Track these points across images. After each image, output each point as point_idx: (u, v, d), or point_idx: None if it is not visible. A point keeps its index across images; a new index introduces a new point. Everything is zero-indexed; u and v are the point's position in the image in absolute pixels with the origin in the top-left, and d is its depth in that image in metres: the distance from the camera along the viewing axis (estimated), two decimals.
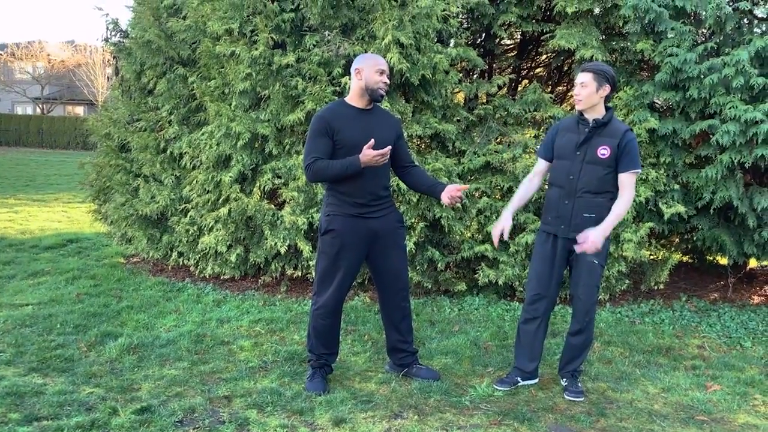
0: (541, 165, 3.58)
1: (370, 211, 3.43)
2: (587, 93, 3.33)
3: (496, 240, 3.44)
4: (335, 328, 3.52)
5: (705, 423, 3.23)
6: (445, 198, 3.43)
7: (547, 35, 5.25)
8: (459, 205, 4.93)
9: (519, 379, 3.61)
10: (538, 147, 3.63)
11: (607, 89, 3.35)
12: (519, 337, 3.62)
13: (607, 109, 3.40)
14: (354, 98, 3.45)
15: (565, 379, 3.57)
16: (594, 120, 3.37)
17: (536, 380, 3.65)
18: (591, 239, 3.21)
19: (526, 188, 3.59)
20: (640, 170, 3.36)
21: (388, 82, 3.42)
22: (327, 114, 3.38)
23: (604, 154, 3.32)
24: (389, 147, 3.32)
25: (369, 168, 3.35)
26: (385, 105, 4.67)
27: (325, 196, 3.50)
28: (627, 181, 3.33)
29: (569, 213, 3.39)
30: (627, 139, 3.32)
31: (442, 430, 3.06)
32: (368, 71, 3.37)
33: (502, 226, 3.44)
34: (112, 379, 3.54)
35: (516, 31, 5.90)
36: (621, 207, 3.32)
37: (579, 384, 3.53)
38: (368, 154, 3.26)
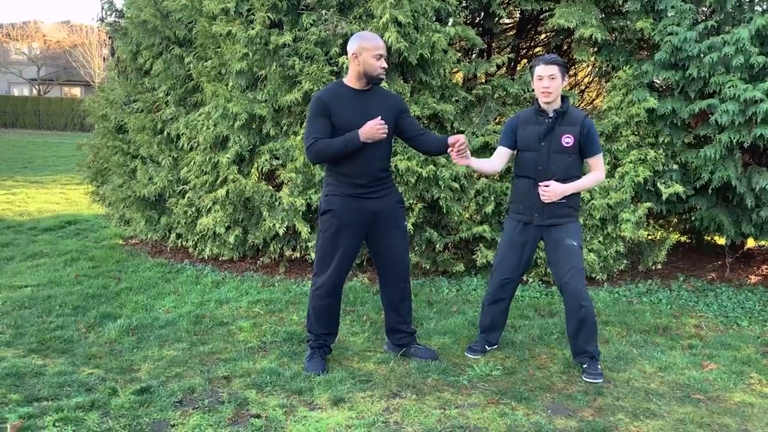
0: (502, 151, 3.64)
1: (369, 192, 3.43)
2: (557, 85, 3.44)
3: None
4: (335, 308, 3.53)
5: (701, 401, 3.25)
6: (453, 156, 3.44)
7: (546, 14, 5.20)
8: (457, 185, 4.92)
9: (487, 346, 3.80)
10: (501, 136, 3.70)
11: (566, 79, 3.52)
12: (485, 315, 3.77)
13: (563, 98, 3.53)
14: (352, 80, 3.43)
15: (584, 364, 3.53)
16: (554, 110, 3.49)
17: (496, 345, 3.86)
18: (552, 187, 3.42)
19: (488, 162, 3.64)
20: (602, 151, 3.57)
21: (386, 66, 3.41)
22: (324, 95, 3.38)
23: (568, 143, 3.47)
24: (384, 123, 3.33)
25: (368, 149, 3.35)
26: (383, 85, 4.64)
27: (325, 177, 3.50)
28: (596, 162, 3.55)
29: (542, 201, 3.50)
30: (587, 126, 3.49)
31: (439, 409, 3.08)
32: (366, 56, 3.34)
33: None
34: (112, 360, 3.55)
35: (515, 10, 5.85)
36: (592, 178, 3.55)
37: (598, 366, 3.50)
38: (368, 124, 3.27)
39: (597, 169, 3.55)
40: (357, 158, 3.36)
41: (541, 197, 3.46)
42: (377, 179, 3.45)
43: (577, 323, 3.48)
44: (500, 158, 3.65)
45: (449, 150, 3.44)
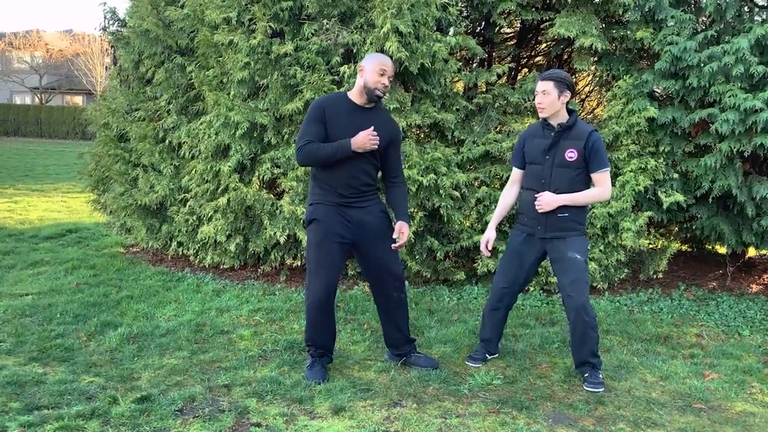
0: (516, 173, 3.73)
1: (352, 202, 3.45)
2: (550, 101, 3.46)
3: (485, 252, 3.71)
4: (330, 317, 3.50)
5: (702, 411, 3.25)
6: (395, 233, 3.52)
7: (547, 23, 5.23)
8: (458, 194, 4.92)
9: (487, 355, 3.81)
10: (511, 158, 3.80)
11: (567, 95, 3.49)
12: (485, 322, 3.80)
13: (570, 112, 3.54)
14: (355, 94, 3.47)
15: (586, 374, 3.53)
16: (559, 125, 3.51)
17: (497, 354, 3.87)
18: (545, 197, 3.45)
19: (506, 198, 3.77)
20: (608, 167, 3.53)
21: (387, 84, 3.43)
22: (325, 103, 3.42)
23: (572, 157, 3.47)
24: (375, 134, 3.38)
25: (354, 163, 3.38)
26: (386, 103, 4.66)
27: (311, 187, 3.52)
28: (601, 178, 3.50)
29: (545, 214, 3.52)
30: (592, 140, 3.47)
31: (440, 418, 3.08)
32: (370, 70, 3.39)
33: (487, 238, 3.71)
34: (112, 369, 3.55)
35: (515, 20, 5.88)
36: (592, 193, 3.51)
37: (600, 375, 3.50)
38: (361, 134, 3.31)
39: (601, 185, 3.50)
40: (342, 170, 3.39)
41: (536, 207, 3.49)
42: (359, 192, 3.46)
43: (580, 336, 3.50)
44: (516, 183, 3.72)
45: (394, 234, 3.51)
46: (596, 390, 3.42)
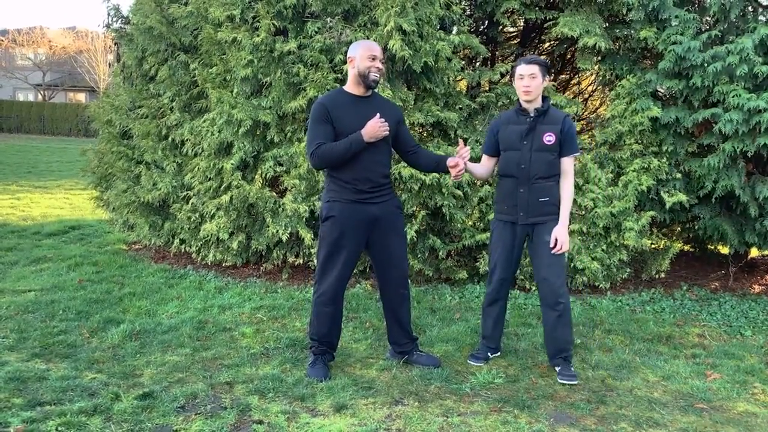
0: (485, 159, 3.76)
1: (369, 197, 3.45)
2: (537, 84, 3.51)
3: (460, 164, 3.54)
4: (337, 315, 3.53)
5: (704, 411, 3.24)
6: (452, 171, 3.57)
7: (550, 23, 5.22)
8: (461, 193, 4.93)
9: (489, 353, 3.81)
10: (483, 145, 3.81)
11: (547, 80, 3.59)
12: (485, 319, 3.81)
13: (543, 98, 3.59)
14: (351, 86, 3.49)
15: (558, 366, 3.59)
16: (535, 109, 3.55)
17: (499, 352, 3.86)
18: (560, 240, 3.48)
19: (478, 167, 3.75)
20: (579, 153, 3.59)
21: (380, 67, 3.45)
22: (326, 101, 3.43)
23: (549, 141, 3.51)
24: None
25: (369, 154, 3.39)
26: (387, 92, 4.66)
27: (326, 183, 3.52)
28: (569, 164, 3.55)
29: (525, 200, 3.56)
30: (568, 125, 3.53)
31: (442, 416, 3.08)
32: (360, 57, 3.42)
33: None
34: (115, 365, 3.56)
35: (519, 19, 5.88)
36: (569, 192, 3.55)
37: (572, 367, 3.56)
38: (370, 123, 3.33)
39: (567, 171, 3.54)
40: (358, 164, 3.40)
41: (557, 252, 3.48)
42: (378, 186, 3.47)
43: (554, 319, 3.54)
44: (484, 166, 3.76)
45: (451, 171, 3.54)
46: (571, 382, 3.46)
